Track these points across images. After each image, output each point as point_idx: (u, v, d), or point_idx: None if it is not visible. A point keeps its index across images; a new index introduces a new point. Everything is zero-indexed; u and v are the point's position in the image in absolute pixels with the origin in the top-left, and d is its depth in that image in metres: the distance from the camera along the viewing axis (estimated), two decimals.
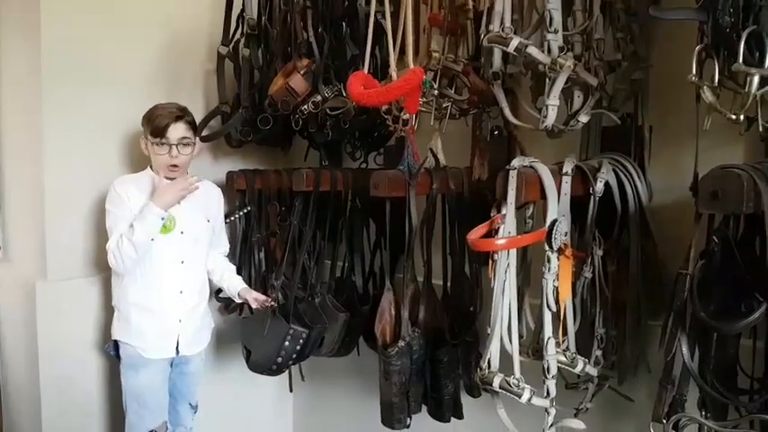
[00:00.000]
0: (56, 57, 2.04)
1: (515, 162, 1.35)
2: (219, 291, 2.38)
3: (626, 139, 1.57)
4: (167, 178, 1.88)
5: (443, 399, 1.77)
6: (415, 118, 1.63)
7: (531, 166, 1.36)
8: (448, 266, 1.84)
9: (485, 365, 1.34)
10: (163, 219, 1.81)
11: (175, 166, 1.87)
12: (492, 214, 1.40)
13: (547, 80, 1.31)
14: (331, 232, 2.11)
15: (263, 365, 1.96)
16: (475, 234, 1.33)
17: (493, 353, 1.39)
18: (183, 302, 1.95)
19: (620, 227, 1.46)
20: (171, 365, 1.99)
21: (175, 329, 1.94)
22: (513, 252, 1.35)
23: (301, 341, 1.91)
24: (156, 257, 1.88)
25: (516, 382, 1.29)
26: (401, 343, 1.64)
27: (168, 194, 1.81)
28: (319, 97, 1.84)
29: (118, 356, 1.96)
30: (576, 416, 1.45)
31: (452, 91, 1.65)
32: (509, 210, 1.32)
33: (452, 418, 1.81)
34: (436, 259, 1.82)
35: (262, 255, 2.34)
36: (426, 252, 1.75)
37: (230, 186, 2.30)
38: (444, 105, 1.63)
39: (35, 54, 2.04)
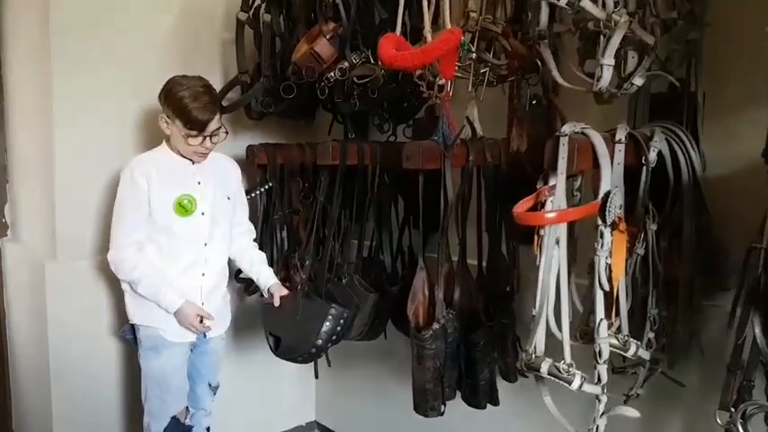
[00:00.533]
0: (66, 27, 1.95)
1: (566, 128, 1.23)
2: (239, 271, 2.31)
3: (677, 106, 1.45)
4: (186, 158, 1.82)
5: (479, 384, 1.68)
6: (450, 84, 1.52)
7: (583, 133, 1.24)
8: (483, 244, 1.74)
9: (531, 349, 1.25)
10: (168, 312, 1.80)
11: (206, 150, 1.80)
12: (538, 186, 1.29)
13: (600, 38, 1.19)
14: (358, 209, 2.01)
15: (299, 351, 1.88)
16: (521, 207, 1.22)
17: (538, 336, 1.30)
18: (206, 284, 1.86)
19: (673, 200, 1.35)
20: (191, 348, 1.93)
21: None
22: (563, 227, 1.24)
23: (342, 321, 1.82)
24: (177, 241, 1.80)
25: (566, 367, 1.19)
26: (436, 325, 1.55)
27: (187, 317, 1.80)
28: (346, 64, 1.72)
29: (135, 341, 1.88)
30: (625, 402, 1.36)
31: (490, 55, 1.52)
32: (559, 180, 1.21)
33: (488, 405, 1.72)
34: (470, 237, 1.71)
35: (284, 234, 2.25)
36: (461, 229, 1.64)
37: (251, 161, 2.20)
38: (482, 71, 1.51)
39: (44, 25, 1.94)
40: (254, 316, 2.40)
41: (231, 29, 2.23)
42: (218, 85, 2.25)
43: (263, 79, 1.99)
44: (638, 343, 1.29)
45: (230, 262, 2.05)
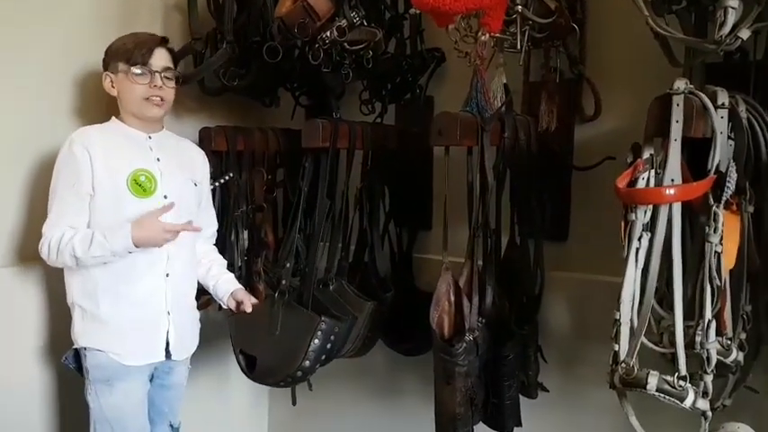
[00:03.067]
0: None
1: (679, 84, 1.00)
2: None
3: (739, 77, 1.29)
4: (142, 119, 1.47)
5: (504, 404, 1.42)
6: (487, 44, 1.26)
7: (692, 93, 1.01)
8: (499, 239, 1.49)
9: (632, 361, 1.00)
10: (130, 252, 1.38)
11: (160, 98, 1.45)
12: (627, 159, 1.06)
13: None
14: (345, 202, 1.69)
15: (281, 373, 1.49)
16: (621, 183, 0.98)
17: (623, 342, 1.06)
18: (172, 289, 1.48)
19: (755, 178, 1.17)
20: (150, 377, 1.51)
21: (164, 324, 1.47)
22: (665, 210, 1.00)
23: (332, 337, 1.46)
24: None
25: (680, 382, 0.96)
26: (469, 337, 1.27)
27: (151, 229, 1.38)
28: (345, 22, 1.41)
29: (80, 370, 1.46)
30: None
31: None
32: (673, 149, 0.98)
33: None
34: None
35: (245, 235, 1.87)
36: (496, 220, 1.38)
37: (206, 147, 1.79)
38: (522, 30, 1.27)
39: None
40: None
41: None
42: None
43: (227, 45, 1.62)
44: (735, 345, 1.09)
45: None
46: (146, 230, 1.36)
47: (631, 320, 1.08)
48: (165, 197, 1.44)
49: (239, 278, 1.76)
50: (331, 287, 1.62)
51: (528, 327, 1.48)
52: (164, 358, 1.47)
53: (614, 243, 1.51)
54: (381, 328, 1.68)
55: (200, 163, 1.63)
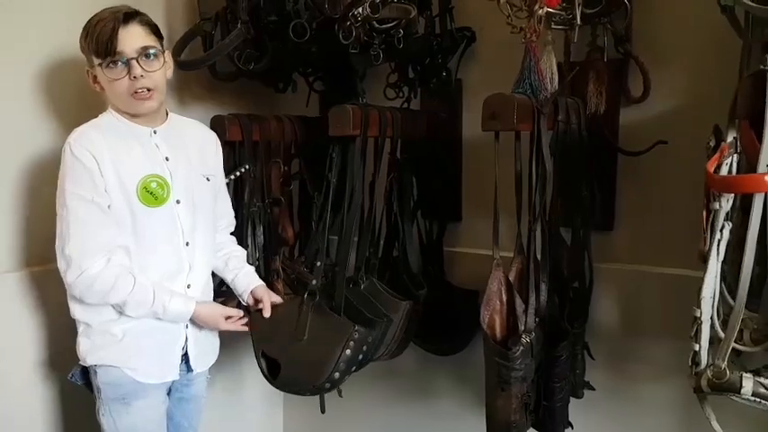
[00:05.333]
0: None
1: None
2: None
3: None
4: (134, 115, 1.28)
5: (555, 406, 1.34)
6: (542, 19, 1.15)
7: None
8: (544, 231, 1.38)
9: (723, 363, 0.91)
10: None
11: (147, 90, 1.23)
12: (710, 143, 0.96)
13: None
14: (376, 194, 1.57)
15: (307, 384, 1.36)
16: (711, 167, 0.88)
17: (703, 341, 0.98)
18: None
19: None
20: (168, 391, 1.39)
21: (182, 336, 1.35)
22: (760, 198, 0.90)
23: (365, 347, 1.34)
24: (148, 242, 1.27)
25: None
26: (526, 339, 1.18)
27: (214, 321, 1.36)
28: None
29: (89, 387, 1.33)
30: None
31: None
32: None
33: None
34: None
35: (261, 230, 1.75)
36: (553, 213, 1.28)
37: (218, 136, 1.66)
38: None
39: None
40: None
41: None
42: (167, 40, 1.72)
43: (241, 25, 1.49)
44: None
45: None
46: (208, 318, 1.34)
47: (712, 318, 0.99)
48: (178, 202, 1.31)
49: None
50: (362, 286, 1.50)
51: (579, 324, 1.39)
52: (184, 372, 1.37)
53: (664, 232, 1.45)
54: (415, 328, 1.58)
55: (212, 151, 1.46)
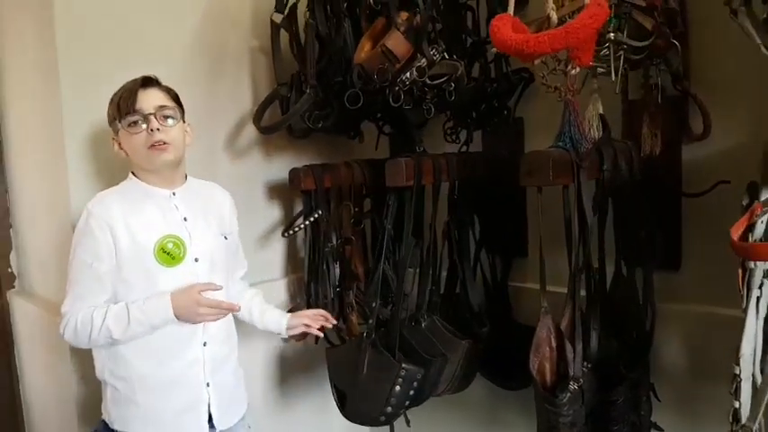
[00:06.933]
0: (72, 35, 1.59)
1: None
2: None
3: None
4: (155, 172, 1.36)
5: None
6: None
7: None
8: (603, 273, 1.39)
9: (754, 426, 0.90)
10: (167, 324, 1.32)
11: (163, 143, 1.31)
12: (743, 202, 0.95)
13: None
14: (432, 236, 1.66)
15: (368, 416, 1.50)
16: (736, 233, 0.88)
17: (744, 399, 0.95)
18: (210, 358, 1.38)
19: None
20: None
21: (204, 398, 1.38)
22: None
23: (416, 384, 1.44)
24: None
25: None
26: (573, 386, 1.20)
27: (193, 306, 1.30)
28: (424, 61, 1.39)
29: None
30: None
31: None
32: None
33: None
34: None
35: (337, 268, 1.90)
36: (599, 257, 1.30)
37: (296, 187, 1.86)
38: (617, 55, 1.18)
39: (48, 30, 1.58)
40: (299, 365, 2.08)
41: (259, 35, 1.91)
42: (247, 100, 1.95)
43: (310, 90, 1.65)
44: None
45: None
46: (183, 306, 1.29)
47: (753, 375, 0.97)
48: (197, 260, 1.36)
49: (332, 310, 1.80)
50: (423, 324, 1.60)
51: (638, 368, 1.37)
52: (207, 430, 1.38)
53: (732, 272, 1.38)
54: (478, 365, 1.64)
55: (227, 211, 1.54)
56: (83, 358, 1.56)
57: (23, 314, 1.98)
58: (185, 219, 1.38)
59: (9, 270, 2.04)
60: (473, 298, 1.66)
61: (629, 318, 1.38)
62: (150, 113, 1.30)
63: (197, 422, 1.37)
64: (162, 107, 1.32)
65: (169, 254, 1.32)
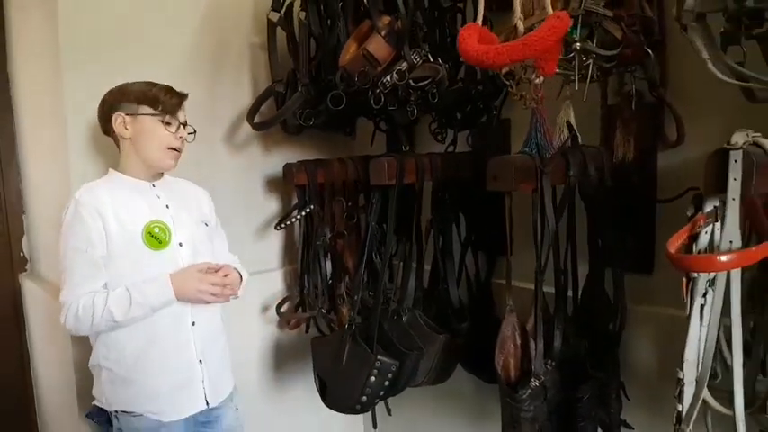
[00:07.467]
0: (77, 34, 1.68)
1: (737, 138, 0.92)
2: (280, 305, 2.05)
3: None
4: (150, 168, 1.46)
5: None
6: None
7: (756, 143, 0.92)
8: (575, 274, 1.44)
9: (688, 429, 0.94)
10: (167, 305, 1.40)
11: (177, 152, 1.46)
12: (688, 213, 0.98)
13: None
14: (416, 233, 1.71)
15: (344, 404, 1.58)
16: (673, 245, 0.91)
17: (686, 402, 0.99)
18: (200, 337, 1.47)
19: None
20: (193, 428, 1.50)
21: (198, 375, 1.47)
22: (722, 276, 0.93)
23: (390, 375, 1.51)
24: None
25: None
26: (534, 382, 1.25)
27: (193, 284, 1.39)
28: (405, 65, 1.43)
29: (107, 423, 1.44)
30: None
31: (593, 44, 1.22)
32: (731, 209, 0.90)
33: None
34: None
35: (328, 261, 1.97)
36: (569, 259, 1.34)
37: (288, 182, 1.93)
38: (586, 63, 1.21)
39: (52, 30, 1.67)
40: (293, 353, 2.16)
41: (260, 32, 1.97)
42: (247, 96, 2.02)
43: (302, 89, 1.72)
44: None
45: None
46: (187, 285, 1.38)
47: (696, 381, 1.01)
48: (181, 245, 1.44)
49: (323, 302, 1.89)
50: (404, 318, 1.66)
51: (606, 367, 1.41)
52: (204, 407, 1.47)
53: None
54: (458, 358, 1.69)
55: (205, 202, 1.63)
56: (84, 339, 1.65)
57: (33, 296, 2.10)
58: (167, 206, 1.48)
59: (21, 254, 2.15)
60: (453, 294, 1.71)
61: (598, 318, 1.42)
62: (183, 123, 1.46)
63: (194, 398, 1.46)
64: (187, 124, 1.48)
65: (156, 238, 1.40)
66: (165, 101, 1.42)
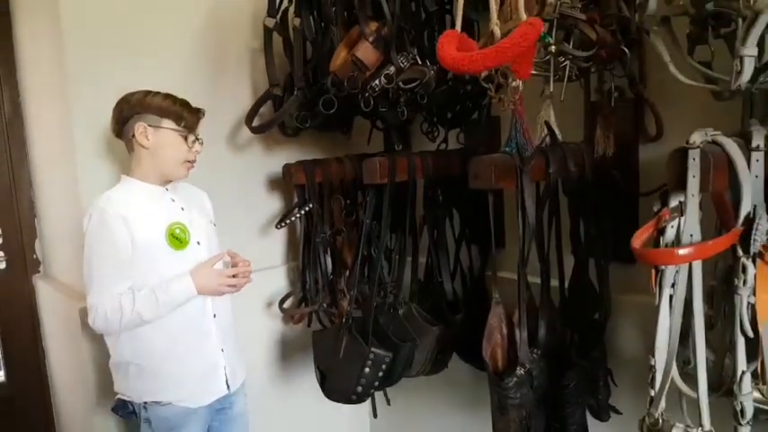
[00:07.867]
0: (80, 41, 1.75)
1: (695, 137, 0.97)
2: (283, 300, 2.12)
3: None
4: (165, 177, 1.55)
5: (569, 429, 1.44)
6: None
7: (714, 141, 0.98)
8: (561, 266, 1.50)
9: (657, 413, 1.00)
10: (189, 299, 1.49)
11: (192, 165, 1.56)
12: (654, 208, 1.04)
13: (740, 22, 0.93)
14: (410, 229, 1.78)
15: (341, 394, 1.66)
16: (639, 239, 0.97)
17: (657, 389, 1.05)
18: (220, 327, 1.60)
19: None
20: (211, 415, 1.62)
21: (221, 363, 1.60)
22: (683, 268, 0.99)
23: (384, 366, 1.59)
24: None
25: None
26: (520, 371, 1.32)
27: (213, 279, 1.50)
28: (393, 69, 1.49)
29: (135, 415, 1.54)
30: None
31: (570, 46, 1.27)
32: (690, 204, 0.96)
33: None
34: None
35: (328, 257, 2.05)
36: (551, 253, 1.40)
37: (288, 181, 2.00)
38: (563, 64, 1.26)
39: (56, 35, 1.74)
40: (298, 346, 2.23)
41: (259, 36, 2.02)
42: (247, 99, 2.08)
43: (298, 92, 1.78)
44: None
45: None
46: (208, 281, 1.48)
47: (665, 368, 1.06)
48: (199, 243, 1.55)
49: (324, 296, 1.96)
50: (400, 311, 1.72)
51: (593, 354, 1.47)
52: (226, 392, 1.58)
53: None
54: (453, 349, 1.76)
55: (207, 202, 1.73)
56: (99, 338, 1.72)
57: (46, 297, 2.19)
58: (182, 209, 1.57)
59: (34, 256, 2.25)
60: (448, 287, 1.77)
61: (584, 308, 1.48)
62: (198, 138, 1.55)
63: (218, 383, 1.59)
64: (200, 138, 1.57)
65: (177, 238, 1.50)
66: (187, 117, 1.52)
